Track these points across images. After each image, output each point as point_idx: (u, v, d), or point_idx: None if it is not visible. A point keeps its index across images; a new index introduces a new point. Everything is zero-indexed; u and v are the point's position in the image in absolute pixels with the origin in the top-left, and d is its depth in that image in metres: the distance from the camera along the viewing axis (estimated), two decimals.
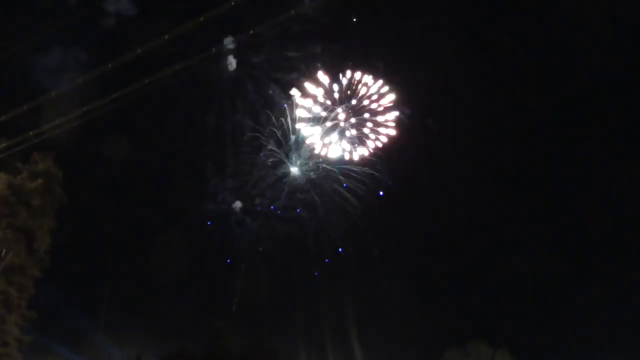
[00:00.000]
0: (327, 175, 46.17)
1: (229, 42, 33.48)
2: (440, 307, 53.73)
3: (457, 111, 50.28)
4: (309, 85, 43.08)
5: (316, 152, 45.35)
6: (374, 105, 44.42)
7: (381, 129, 44.72)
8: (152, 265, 46.25)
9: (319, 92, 43.59)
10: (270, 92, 43.98)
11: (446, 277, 55.57)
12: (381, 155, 45.62)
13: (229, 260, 53.08)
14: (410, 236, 55.84)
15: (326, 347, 47.76)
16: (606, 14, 42.41)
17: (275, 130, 45.12)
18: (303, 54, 42.86)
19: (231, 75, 43.42)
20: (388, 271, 53.26)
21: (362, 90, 44.16)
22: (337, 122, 44.33)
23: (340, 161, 45.57)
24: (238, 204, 47.77)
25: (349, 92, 44.17)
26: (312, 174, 46.28)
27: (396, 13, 43.82)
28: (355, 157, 45.24)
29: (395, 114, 44.45)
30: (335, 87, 43.82)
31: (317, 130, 44.73)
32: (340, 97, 44.04)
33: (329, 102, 43.89)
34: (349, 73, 43.61)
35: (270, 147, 45.77)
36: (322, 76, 43.16)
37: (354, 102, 44.28)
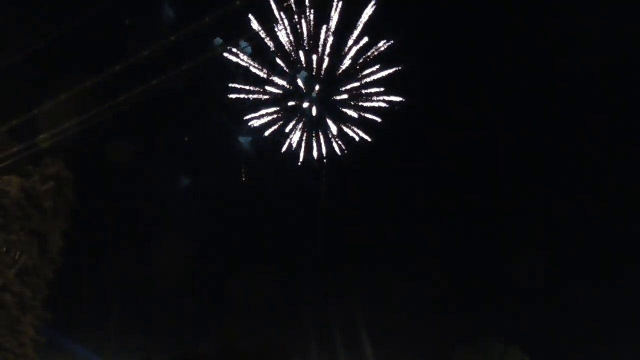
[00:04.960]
0: None
1: None
2: (452, 305, 53.68)
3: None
4: None
5: None
6: None
7: None
8: (163, 266, 46.58)
9: None
10: None
11: (457, 275, 55.52)
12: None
13: (234, 260, 53.33)
14: (420, 233, 55.78)
15: (336, 345, 47.81)
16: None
17: None
18: None
19: None
20: (399, 269, 53.26)
21: None
22: None
23: None
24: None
25: None
26: None
27: None
28: None
29: None
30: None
31: None
32: None
33: None
34: None
35: None
36: None
37: None
